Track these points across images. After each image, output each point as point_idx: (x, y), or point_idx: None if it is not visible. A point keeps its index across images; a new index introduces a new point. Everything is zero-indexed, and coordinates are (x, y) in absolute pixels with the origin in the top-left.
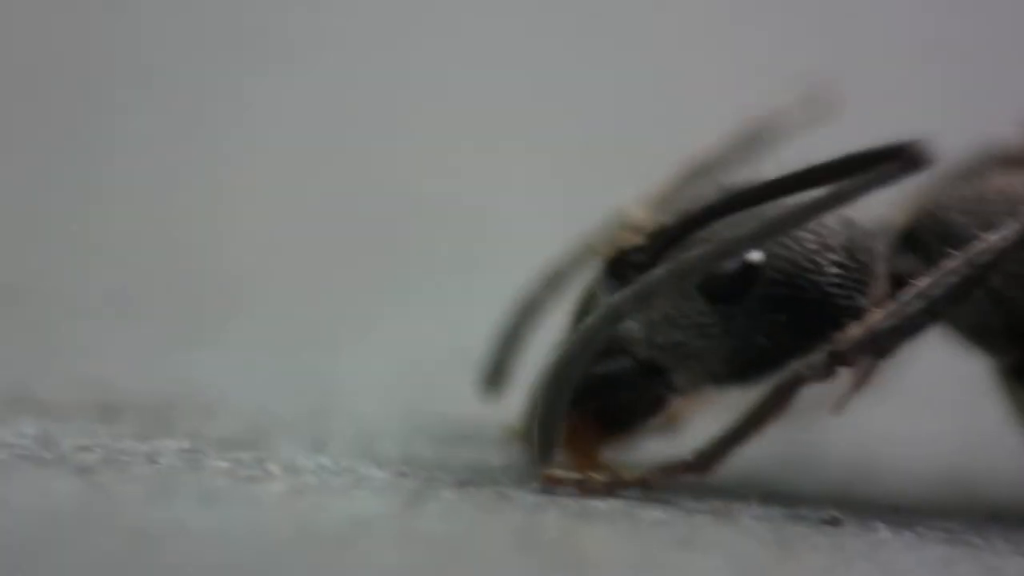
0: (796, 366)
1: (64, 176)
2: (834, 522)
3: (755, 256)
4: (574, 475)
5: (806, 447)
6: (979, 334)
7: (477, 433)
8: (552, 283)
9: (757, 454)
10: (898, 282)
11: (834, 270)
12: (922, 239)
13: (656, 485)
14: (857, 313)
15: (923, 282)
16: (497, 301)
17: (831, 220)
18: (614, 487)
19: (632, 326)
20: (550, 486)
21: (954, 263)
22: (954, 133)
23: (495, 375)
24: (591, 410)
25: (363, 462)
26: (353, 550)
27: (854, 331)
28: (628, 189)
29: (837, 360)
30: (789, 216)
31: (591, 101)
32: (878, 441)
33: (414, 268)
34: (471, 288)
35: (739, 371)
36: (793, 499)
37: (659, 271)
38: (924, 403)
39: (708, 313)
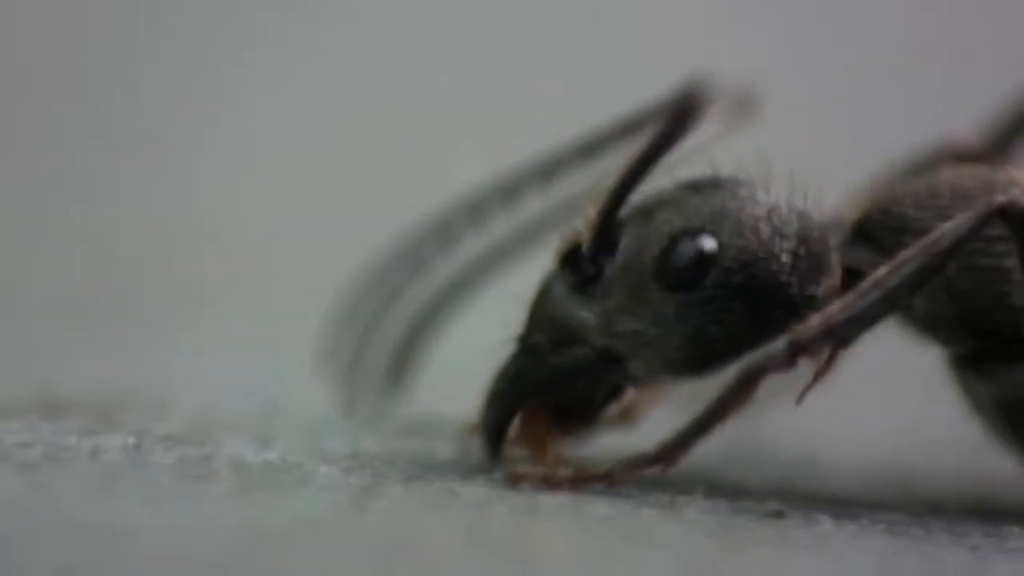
0: (757, 356)
1: (14, 176)
2: (778, 515)
3: (708, 244)
4: (539, 470)
5: (749, 442)
6: (932, 325)
7: (425, 428)
8: None
9: (701, 448)
10: (852, 275)
11: (788, 259)
12: (875, 232)
13: (621, 479)
14: (812, 303)
15: (881, 271)
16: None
17: (785, 211)
18: (579, 482)
19: (587, 315)
20: (514, 482)
21: (910, 252)
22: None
23: None
24: (548, 401)
25: (310, 458)
26: (300, 547)
27: (814, 321)
28: None
29: (798, 350)
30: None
31: (590, 101)
32: (820, 436)
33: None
34: None
35: (695, 360)
36: (737, 493)
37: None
38: (865, 399)
39: (664, 301)
